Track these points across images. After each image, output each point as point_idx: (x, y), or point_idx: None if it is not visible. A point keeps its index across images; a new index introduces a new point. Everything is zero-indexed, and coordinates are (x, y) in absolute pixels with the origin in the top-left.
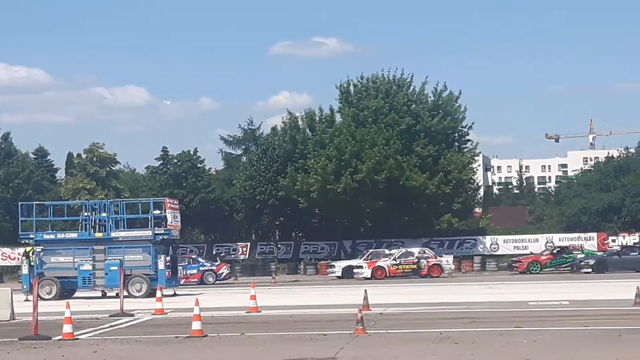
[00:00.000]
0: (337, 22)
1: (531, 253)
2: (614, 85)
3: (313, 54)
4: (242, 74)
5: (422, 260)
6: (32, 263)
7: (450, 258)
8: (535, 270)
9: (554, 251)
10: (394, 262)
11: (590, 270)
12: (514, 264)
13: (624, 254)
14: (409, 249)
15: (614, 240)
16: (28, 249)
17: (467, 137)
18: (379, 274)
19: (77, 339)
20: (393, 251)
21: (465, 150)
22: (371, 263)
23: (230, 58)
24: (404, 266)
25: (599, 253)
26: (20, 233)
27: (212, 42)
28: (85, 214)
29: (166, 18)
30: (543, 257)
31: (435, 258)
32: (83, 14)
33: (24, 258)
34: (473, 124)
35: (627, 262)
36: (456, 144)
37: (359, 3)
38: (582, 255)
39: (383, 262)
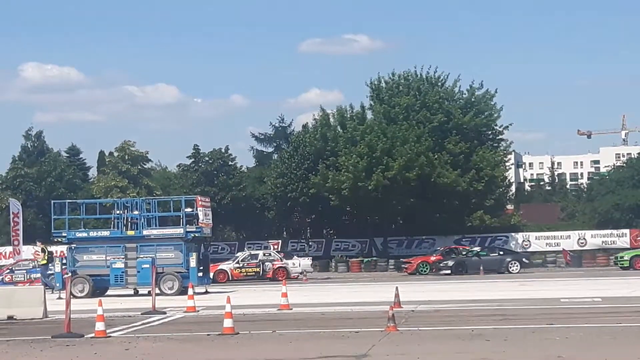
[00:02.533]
0: (367, 18)
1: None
2: None
3: (343, 50)
4: (272, 71)
5: (266, 264)
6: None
7: (304, 261)
8: (425, 271)
9: (444, 252)
10: (237, 265)
11: (449, 272)
12: (403, 265)
13: (484, 255)
14: (252, 252)
15: None
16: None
17: (501, 136)
18: (220, 278)
19: (110, 336)
20: (238, 254)
21: (498, 147)
22: (213, 266)
23: (261, 55)
24: (247, 270)
25: (631, 250)
26: (52, 231)
27: (241, 39)
28: (117, 212)
29: (196, 16)
30: (433, 258)
31: (281, 261)
32: (114, 12)
33: (55, 257)
34: (510, 124)
35: (487, 263)
36: (489, 142)
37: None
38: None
39: (226, 266)
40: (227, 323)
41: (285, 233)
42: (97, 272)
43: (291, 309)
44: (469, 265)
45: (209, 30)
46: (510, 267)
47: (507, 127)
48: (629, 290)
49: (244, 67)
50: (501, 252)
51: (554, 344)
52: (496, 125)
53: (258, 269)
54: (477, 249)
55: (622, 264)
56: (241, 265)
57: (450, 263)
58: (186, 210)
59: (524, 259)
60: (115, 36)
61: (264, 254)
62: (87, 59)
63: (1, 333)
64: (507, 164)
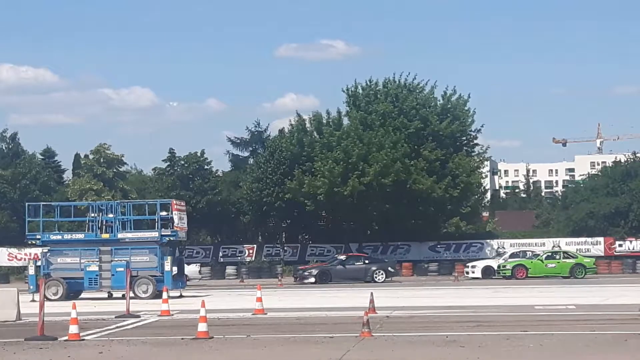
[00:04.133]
0: (344, 24)
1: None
2: (621, 89)
3: (320, 56)
4: (248, 75)
5: None
6: None
7: (190, 267)
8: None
9: (344, 259)
10: None
11: (313, 280)
12: (296, 273)
13: (349, 263)
14: None
15: (620, 245)
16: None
17: (475, 141)
18: None
19: (83, 339)
20: None
21: (473, 154)
22: None
23: (237, 59)
24: None
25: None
26: (26, 234)
27: (217, 43)
28: (92, 215)
29: (171, 19)
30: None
31: None
32: (88, 14)
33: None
34: (482, 126)
35: (351, 272)
36: (465, 148)
37: (366, 5)
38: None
39: None
40: (202, 327)
41: (260, 238)
42: (71, 274)
43: (266, 314)
44: (333, 274)
45: (185, 34)
46: (376, 276)
47: (480, 130)
48: (603, 298)
49: (220, 71)
50: (367, 261)
51: (528, 351)
52: (471, 130)
53: None
54: (342, 257)
55: (505, 273)
56: None
57: (315, 272)
58: (161, 213)
59: (389, 268)
60: (91, 38)
61: None
62: (61, 61)
63: None
64: (482, 171)
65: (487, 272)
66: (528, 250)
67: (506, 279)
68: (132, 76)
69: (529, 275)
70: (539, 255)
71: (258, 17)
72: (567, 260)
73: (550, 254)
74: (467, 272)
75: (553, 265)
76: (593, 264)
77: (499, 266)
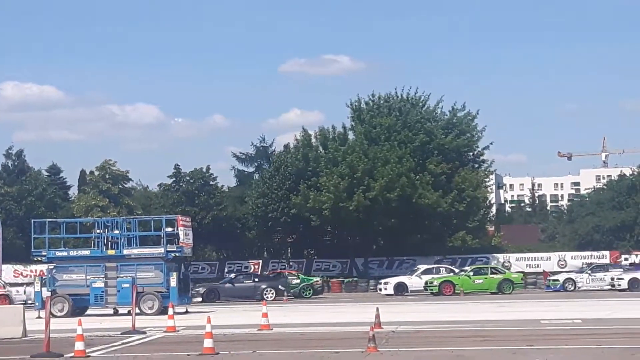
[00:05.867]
0: (349, 39)
1: None
2: (626, 103)
3: (324, 71)
4: (253, 91)
5: None
6: None
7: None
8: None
9: (233, 277)
10: None
11: (200, 299)
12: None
13: (238, 281)
14: None
15: (626, 259)
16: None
17: (482, 157)
18: None
19: (89, 356)
20: None
21: (479, 168)
22: None
23: (241, 75)
24: None
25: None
26: (32, 250)
27: (222, 60)
28: (98, 231)
29: (176, 35)
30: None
31: (4, 288)
32: (92, 31)
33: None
34: (491, 144)
35: (240, 290)
36: (471, 163)
37: (371, 20)
38: (298, 281)
39: None
40: (208, 343)
41: (266, 253)
42: (77, 291)
43: (271, 329)
44: (221, 292)
45: (190, 50)
46: (266, 295)
47: (488, 146)
48: (609, 312)
49: (225, 87)
50: (256, 279)
51: None
52: (477, 146)
53: None
54: (232, 275)
55: (432, 290)
56: None
57: (202, 290)
58: (167, 229)
59: (279, 286)
60: (95, 55)
61: None
62: (66, 78)
63: None
64: (488, 185)
65: (399, 289)
66: (442, 267)
67: (434, 295)
68: (137, 92)
69: (456, 291)
70: (465, 271)
71: (263, 33)
72: (495, 276)
73: (477, 269)
74: (380, 289)
75: (480, 281)
76: (521, 279)
77: (426, 282)
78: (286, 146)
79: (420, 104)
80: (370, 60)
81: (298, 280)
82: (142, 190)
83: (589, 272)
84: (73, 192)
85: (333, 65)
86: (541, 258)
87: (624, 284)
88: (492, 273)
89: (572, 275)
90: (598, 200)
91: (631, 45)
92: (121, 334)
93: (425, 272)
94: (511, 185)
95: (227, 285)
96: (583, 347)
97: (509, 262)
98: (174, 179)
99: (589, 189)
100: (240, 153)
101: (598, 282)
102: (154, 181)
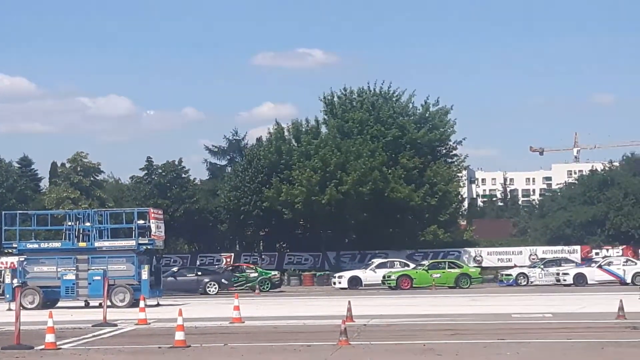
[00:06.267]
0: (321, 32)
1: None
2: (598, 98)
3: (297, 64)
4: (225, 84)
5: None
6: None
7: None
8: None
9: (175, 271)
10: None
11: None
12: None
13: (180, 275)
14: None
15: (597, 254)
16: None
17: (454, 152)
18: None
19: (60, 348)
20: None
21: (452, 163)
22: None
23: (214, 68)
24: None
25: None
26: (3, 242)
27: (194, 52)
28: (69, 223)
29: (148, 28)
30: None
31: None
32: (65, 23)
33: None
34: (464, 139)
35: (182, 284)
36: (443, 157)
37: (345, 14)
38: (256, 274)
39: None
40: (179, 336)
41: (238, 246)
42: (47, 283)
43: (243, 322)
44: (164, 285)
45: (161, 42)
46: (208, 288)
47: (461, 142)
48: (580, 306)
49: (197, 80)
50: (199, 273)
51: (505, 359)
52: (450, 140)
53: None
54: (174, 269)
55: (390, 284)
56: None
57: None
58: (138, 222)
59: (223, 280)
60: (67, 47)
61: None
62: (38, 70)
63: None
64: (460, 179)
65: (353, 282)
66: (396, 260)
67: (392, 289)
68: (109, 84)
69: (414, 285)
70: (423, 265)
71: (236, 25)
72: (452, 270)
73: (435, 263)
74: (334, 283)
75: (438, 275)
76: (479, 273)
77: (384, 276)
78: (259, 139)
79: (394, 99)
80: (344, 54)
81: (256, 274)
82: (113, 182)
83: (542, 267)
84: (44, 184)
85: (306, 58)
86: (513, 252)
87: (569, 279)
88: (449, 267)
89: (525, 270)
90: (569, 195)
91: (603, 40)
92: (92, 326)
93: (380, 266)
94: (483, 180)
95: (170, 278)
96: (554, 341)
97: (480, 256)
98: (146, 171)
99: (560, 183)
100: (213, 146)
101: (551, 277)
102: (125, 173)
